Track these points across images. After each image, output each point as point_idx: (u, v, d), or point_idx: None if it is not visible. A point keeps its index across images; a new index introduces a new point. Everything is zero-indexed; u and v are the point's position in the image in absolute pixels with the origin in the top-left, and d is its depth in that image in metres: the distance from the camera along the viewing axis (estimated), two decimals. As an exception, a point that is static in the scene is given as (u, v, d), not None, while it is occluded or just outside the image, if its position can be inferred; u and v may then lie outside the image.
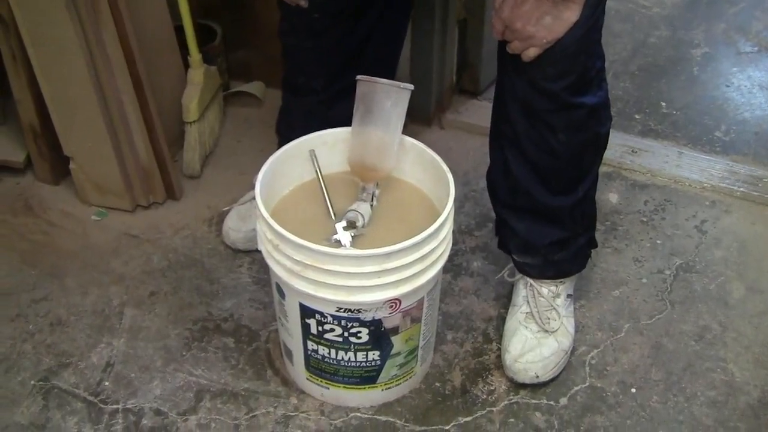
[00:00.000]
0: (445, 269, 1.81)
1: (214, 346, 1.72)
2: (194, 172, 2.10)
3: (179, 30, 2.07)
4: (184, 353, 1.70)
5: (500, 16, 1.37)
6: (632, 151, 2.15)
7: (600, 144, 1.58)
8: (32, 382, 1.65)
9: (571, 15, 1.33)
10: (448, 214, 1.43)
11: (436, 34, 2.17)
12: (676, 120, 2.27)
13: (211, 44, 2.23)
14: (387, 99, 1.50)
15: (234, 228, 1.90)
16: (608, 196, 2.03)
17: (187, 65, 2.11)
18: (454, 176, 1.47)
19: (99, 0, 1.75)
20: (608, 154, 2.07)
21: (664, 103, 2.32)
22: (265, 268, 1.76)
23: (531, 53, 1.37)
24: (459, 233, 1.94)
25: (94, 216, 2.01)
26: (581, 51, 1.39)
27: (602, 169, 2.04)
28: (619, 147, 2.15)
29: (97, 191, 2.00)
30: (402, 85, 1.50)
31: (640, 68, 2.45)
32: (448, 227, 1.46)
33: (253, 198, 1.57)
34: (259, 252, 1.50)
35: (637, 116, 2.27)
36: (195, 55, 2.10)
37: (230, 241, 1.91)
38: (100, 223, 2.00)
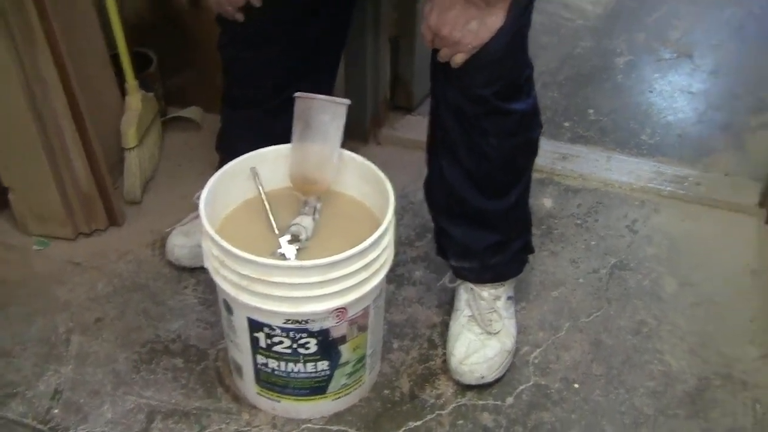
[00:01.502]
0: (389, 279, 1.84)
1: (163, 368, 1.71)
2: (135, 197, 2.10)
3: (115, 58, 2.08)
4: (133, 376, 1.69)
5: (428, 23, 1.40)
6: (563, 157, 2.20)
7: (531, 149, 1.62)
8: (-20, 414, 1.64)
9: (496, 21, 1.37)
10: (389, 223, 1.45)
11: (368, 52, 2.20)
12: (603, 126, 2.33)
13: (147, 71, 2.23)
14: (325, 114, 1.53)
15: (178, 244, 1.90)
16: (542, 201, 2.08)
17: (124, 92, 2.12)
18: (392, 190, 1.49)
19: (33, 27, 1.74)
20: (540, 161, 2.12)
21: (591, 110, 2.38)
22: (210, 287, 1.76)
23: (459, 59, 1.41)
24: (400, 244, 1.96)
25: (35, 246, 1.99)
26: (508, 57, 1.43)
27: (535, 175, 2.09)
28: (550, 154, 2.20)
29: (37, 220, 1.98)
30: (339, 100, 1.53)
31: (567, 78, 2.51)
32: (390, 236, 1.48)
33: (196, 217, 1.58)
34: (204, 272, 1.51)
35: (566, 124, 2.33)
36: (131, 81, 2.10)
37: (175, 257, 1.91)
38: (43, 252, 1.98)
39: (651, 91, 2.46)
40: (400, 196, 2.00)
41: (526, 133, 1.57)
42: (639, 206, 2.07)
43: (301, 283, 1.39)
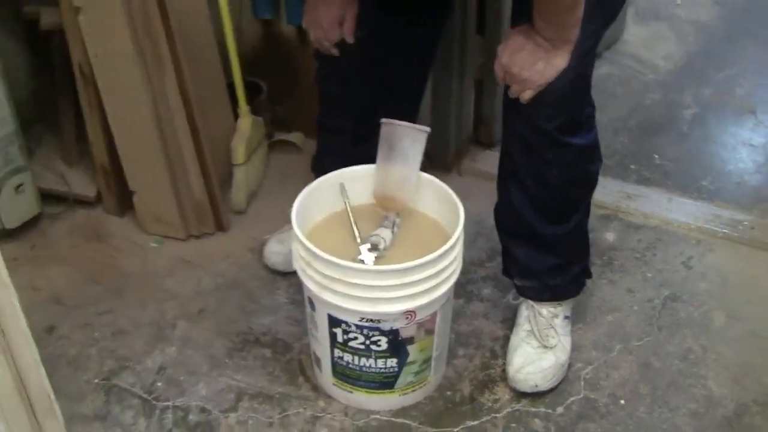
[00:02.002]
0: (458, 295, 1.90)
1: (254, 356, 1.79)
2: (240, 207, 2.20)
3: (231, 86, 2.19)
4: (226, 361, 1.78)
5: (501, 62, 1.47)
6: (628, 196, 2.21)
7: (590, 180, 1.65)
8: (96, 381, 1.74)
9: (560, 62, 1.42)
10: (458, 236, 1.51)
11: (454, 93, 2.26)
12: (667, 170, 2.33)
13: (257, 98, 2.35)
14: (407, 138, 1.60)
15: (274, 251, 1.99)
16: (606, 235, 2.09)
17: (236, 116, 2.23)
18: (468, 216, 1.54)
19: (163, 56, 1.87)
20: (606, 199, 2.17)
21: (656, 156, 2.39)
22: (299, 289, 1.83)
23: (526, 95, 1.47)
24: (471, 264, 2.01)
25: (152, 243, 2.11)
26: (570, 95, 1.48)
27: (600, 211, 2.14)
28: (616, 192, 2.22)
29: (155, 222, 2.10)
30: (420, 127, 1.60)
31: (636, 125, 2.52)
32: (458, 249, 1.53)
33: (291, 228, 1.66)
34: (295, 276, 1.59)
35: (632, 167, 2.34)
36: (244, 106, 2.21)
37: (270, 262, 2.00)
38: (158, 249, 2.09)
39: (714, 142, 2.46)
40: (474, 222, 2.05)
41: (585, 166, 1.61)
42: (695, 245, 2.07)
43: (376, 285, 1.45)
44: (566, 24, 1.40)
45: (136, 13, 1.78)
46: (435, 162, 1.66)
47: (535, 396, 1.70)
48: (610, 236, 2.09)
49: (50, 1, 1.94)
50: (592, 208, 2.06)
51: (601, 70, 2.78)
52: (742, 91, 2.68)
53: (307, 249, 1.48)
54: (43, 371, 1.24)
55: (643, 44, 2.95)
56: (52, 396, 1.28)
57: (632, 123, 2.53)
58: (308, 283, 1.52)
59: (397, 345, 1.56)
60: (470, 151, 2.40)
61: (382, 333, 1.53)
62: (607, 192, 2.19)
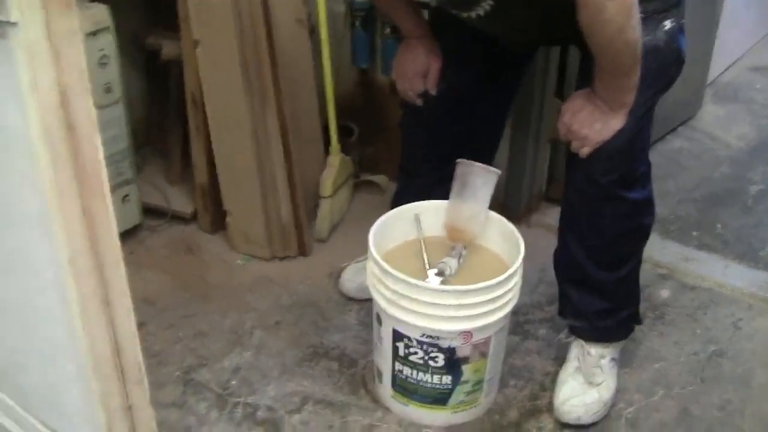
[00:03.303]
0: (516, 332, 2.07)
1: (321, 367, 1.99)
2: (323, 236, 2.42)
3: (325, 126, 2.44)
4: (296, 369, 1.98)
5: (563, 120, 1.67)
6: (686, 258, 2.35)
7: (642, 233, 1.81)
8: (176, 374, 1.95)
9: (617, 123, 1.61)
10: (517, 268, 1.69)
11: (529, 151, 2.46)
12: (727, 239, 2.47)
13: (349, 139, 2.58)
14: (479, 178, 1.80)
15: (349, 279, 2.20)
16: (661, 292, 2.24)
17: (328, 153, 2.47)
18: (533, 265, 1.74)
19: (268, 92, 2.12)
20: (664, 259, 2.32)
21: (719, 225, 2.53)
22: (368, 313, 2.03)
23: (585, 151, 1.65)
24: (531, 307, 2.18)
25: (239, 260, 2.34)
26: (626, 153, 1.65)
27: (658, 270, 2.29)
28: (675, 254, 2.36)
29: (244, 241, 2.33)
30: (491, 169, 1.80)
31: (702, 196, 2.67)
32: (515, 280, 1.72)
33: (367, 259, 1.87)
34: (366, 302, 1.79)
35: (694, 233, 2.49)
36: (335, 145, 2.44)
37: (345, 289, 2.20)
38: (244, 266, 2.32)
39: (777, 218, 2.60)
40: (539, 270, 2.23)
41: (638, 219, 1.78)
42: (746, 308, 2.20)
43: (437, 303, 1.64)
44: (623, 88, 1.58)
45: (248, 50, 2.04)
46: (506, 213, 1.85)
47: (578, 428, 1.84)
48: (664, 293, 2.24)
49: (171, 35, 2.22)
50: (651, 266, 2.25)
51: (674, 144, 2.96)
52: (809, 173, 2.82)
53: (380, 266, 1.68)
54: (138, 342, 1.45)
55: (718, 123, 3.11)
56: (143, 368, 1.49)
57: (699, 194, 2.68)
58: (378, 299, 1.72)
59: (453, 363, 1.73)
60: (541, 206, 2.58)
61: (440, 350, 1.71)
62: (666, 253, 2.35)
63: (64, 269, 1.23)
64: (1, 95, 1.10)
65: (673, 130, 3.00)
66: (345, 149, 2.50)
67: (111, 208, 1.22)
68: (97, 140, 1.14)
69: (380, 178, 2.66)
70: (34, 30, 1.02)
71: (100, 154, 1.15)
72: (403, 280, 1.65)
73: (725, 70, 3.44)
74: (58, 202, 1.16)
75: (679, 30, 1.67)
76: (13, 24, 1.01)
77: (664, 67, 1.67)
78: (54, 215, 1.17)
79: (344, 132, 2.55)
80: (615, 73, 1.56)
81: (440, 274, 1.76)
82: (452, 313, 1.65)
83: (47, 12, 1.02)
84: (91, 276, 1.26)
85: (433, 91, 1.90)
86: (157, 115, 2.52)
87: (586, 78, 1.66)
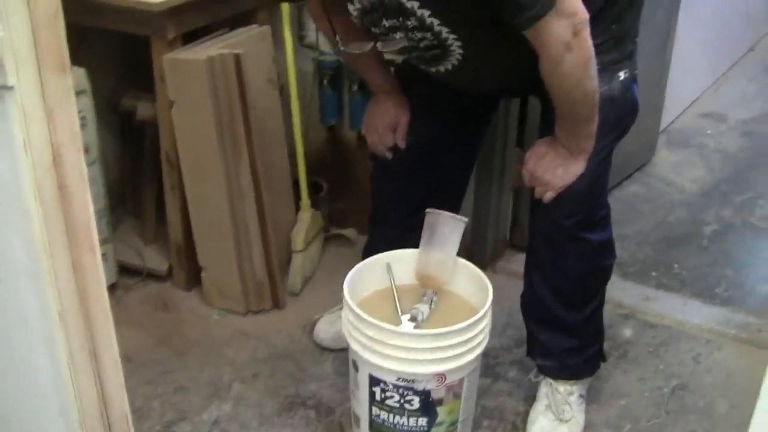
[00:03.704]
0: (487, 375, 2.13)
1: (299, 416, 2.03)
2: (296, 290, 2.47)
3: (296, 182, 2.51)
4: (275, 419, 2.02)
5: (527, 166, 1.76)
6: (646, 298, 2.44)
7: (604, 273, 1.90)
8: (157, 428, 1.98)
9: (578, 168, 1.70)
10: (486, 310, 1.76)
11: (493, 199, 2.55)
12: (684, 278, 2.56)
13: (318, 195, 2.65)
14: (447, 226, 1.87)
15: (323, 329, 2.25)
16: (623, 331, 2.32)
17: (298, 208, 2.53)
18: (500, 310, 1.82)
19: (241, 150, 2.18)
20: (626, 300, 2.41)
21: (676, 265, 2.62)
22: (343, 362, 2.08)
23: (548, 196, 1.74)
24: (501, 350, 2.24)
25: (215, 315, 2.37)
26: (586, 197, 1.74)
27: (620, 311, 2.38)
28: (636, 295, 2.45)
29: (219, 296, 2.37)
30: (458, 217, 1.88)
31: (659, 238, 2.77)
32: (485, 323, 1.78)
33: (339, 309, 1.92)
34: (341, 351, 1.84)
35: (653, 273, 2.58)
36: (305, 200, 2.51)
37: (319, 339, 2.25)
38: (219, 321, 2.36)
39: (730, 256, 2.68)
40: (506, 315, 2.29)
41: (600, 260, 1.86)
42: (705, 343, 2.28)
43: (412, 347, 1.70)
44: (582, 135, 1.68)
45: (222, 110, 2.11)
46: (473, 260, 1.93)
47: (550, 464, 1.91)
48: (627, 332, 2.32)
49: (146, 96, 2.29)
50: (613, 307, 2.33)
51: (631, 189, 3.06)
52: (762, 211, 2.92)
53: (356, 314, 1.74)
54: (125, 395, 1.49)
55: (672, 168, 3.23)
56: (130, 420, 1.53)
57: (656, 236, 2.78)
58: (354, 345, 1.77)
59: (428, 405, 1.78)
60: (505, 252, 2.66)
61: (416, 393, 1.76)
62: (627, 294, 2.44)
63: (53, 322, 1.27)
64: (-4, 156, 1.15)
65: (630, 176, 3.11)
66: (315, 204, 2.57)
67: (100, 262, 1.27)
68: (88, 197, 1.19)
69: (350, 232, 2.72)
70: (30, 93, 1.08)
71: (91, 211, 1.20)
72: (377, 326, 1.70)
73: (677, 117, 3.58)
74: (49, 257, 1.21)
75: (632, 80, 1.77)
76: (10, 87, 1.07)
77: (620, 116, 1.77)
78: (45, 270, 1.22)
79: (314, 187, 2.62)
80: (575, 120, 1.66)
81: (413, 319, 1.82)
82: (426, 356, 1.70)
83: (42, 76, 1.08)
84: (80, 329, 1.31)
85: (402, 144, 1.98)
86: (131, 176, 2.57)
87: (547, 127, 1.75)
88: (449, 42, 1.62)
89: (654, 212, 2.92)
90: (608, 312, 2.17)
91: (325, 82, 2.53)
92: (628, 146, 2.86)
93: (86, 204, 1.20)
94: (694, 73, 3.68)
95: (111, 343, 1.40)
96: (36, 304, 1.27)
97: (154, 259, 2.50)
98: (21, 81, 1.07)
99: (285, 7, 2.32)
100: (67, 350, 1.30)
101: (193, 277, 2.42)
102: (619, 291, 2.43)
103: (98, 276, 1.28)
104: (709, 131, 3.54)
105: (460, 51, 1.64)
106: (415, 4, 1.55)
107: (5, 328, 1.42)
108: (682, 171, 3.22)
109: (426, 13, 1.56)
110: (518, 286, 2.00)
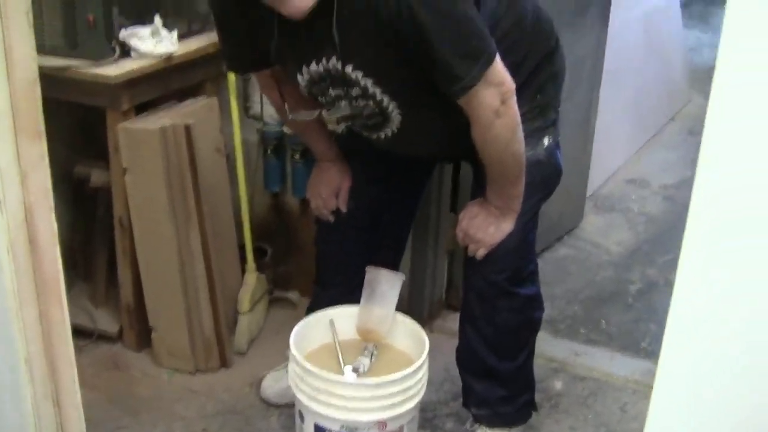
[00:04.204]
0: (425, 427, 2.24)
1: (248, 469, 2.13)
2: (242, 349, 2.57)
3: (242, 247, 2.63)
4: (225, 471, 2.12)
5: (460, 226, 1.91)
6: (575, 353, 2.59)
7: (534, 324, 2.05)
8: (111, 486, 2.07)
9: (507, 227, 1.86)
10: (422, 363, 1.89)
11: (429, 262, 2.68)
12: (611, 333, 2.72)
13: (263, 259, 2.77)
14: (386, 283, 2.00)
15: (269, 385, 2.34)
16: (554, 383, 2.45)
17: (244, 271, 2.65)
18: (437, 366, 1.95)
19: (191, 215, 2.29)
20: (557, 355, 2.55)
21: (603, 321, 2.78)
22: (288, 417, 2.18)
23: (480, 253, 1.89)
24: (438, 403, 2.35)
25: (165, 375, 2.45)
26: (516, 253, 1.90)
27: (551, 365, 2.51)
28: (566, 350, 2.60)
29: (169, 356, 2.45)
30: (396, 273, 2.02)
31: (587, 297, 2.93)
32: (422, 373, 1.90)
33: (283, 367, 2.02)
34: (286, 408, 1.94)
35: (582, 330, 2.73)
36: (251, 264, 2.62)
37: (266, 395, 2.34)
38: (169, 379, 2.43)
39: (654, 312, 2.84)
40: (443, 370, 2.41)
41: (530, 312, 2.01)
42: (631, 393, 2.43)
43: (354, 396, 1.82)
44: (511, 195, 1.84)
45: (173, 176, 2.23)
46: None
47: None
48: (557, 384, 2.46)
49: (99, 164, 2.40)
50: (544, 361, 2.47)
51: (560, 252, 3.24)
52: (680, 273, 3.11)
53: (301, 366, 1.85)
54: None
55: (599, 231, 3.42)
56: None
57: (584, 295, 2.95)
58: (300, 396, 1.88)
59: (371, 453, 1.90)
60: (442, 312, 2.80)
61: (359, 440, 1.88)
62: (557, 349, 2.58)
63: (20, 369, 1.37)
64: (-28, 215, 1.26)
65: (559, 239, 3.29)
66: (260, 268, 2.68)
67: (67, 314, 1.37)
68: (57, 252, 1.30)
69: (293, 294, 2.83)
70: (6, 156, 1.20)
71: (59, 265, 1.31)
72: (322, 377, 1.82)
73: (603, 183, 3.79)
74: (19, 308, 1.31)
75: (556, 146, 1.95)
76: (-11, 153, 1.19)
77: (546, 178, 1.94)
78: (14, 319, 1.32)
79: (259, 252, 2.74)
80: (504, 181, 1.82)
81: (355, 370, 1.94)
82: (367, 404, 1.82)
83: (18, 140, 1.20)
84: (44, 377, 1.40)
85: (344, 208, 2.12)
86: (81, 242, 2.66)
87: (479, 189, 1.91)
88: (390, 109, 1.78)
89: (582, 272, 3.09)
90: (540, 366, 2.33)
91: (269, 151, 2.66)
92: (557, 210, 3.08)
93: (56, 259, 1.31)
94: (618, 141, 3.91)
95: (74, 391, 1.50)
96: (4, 352, 1.36)
97: (105, 321, 2.58)
98: (-1, 146, 1.19)
99: (231, 80, 2.47)
100: (32, 397, 1.40)
101: (144, 338, 2.50)
102: (550, 346, 2.58)
103: (64, 327, 1.38)
104: (633, 196, 3.74)
105: (400, 118, 1.80)
106: (360, 74, 1.71)
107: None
108: (608, 234, 3.41)
109: (369, 81, 1.72)
110: (454, 343, 2.13)
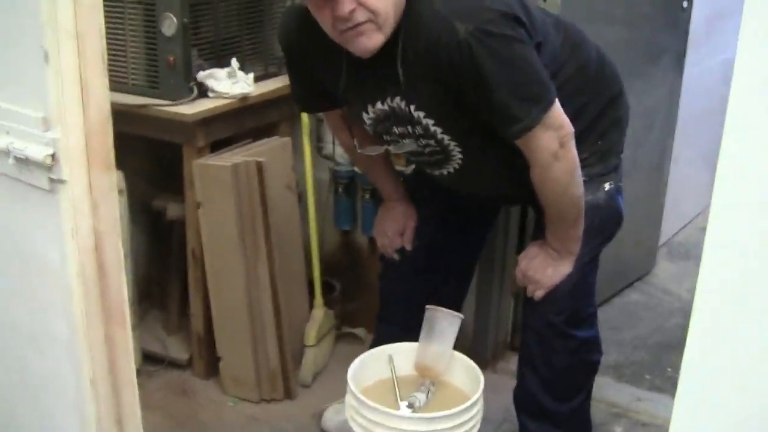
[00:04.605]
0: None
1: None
2: (307, 382, 2.62)
3: (310, 282, 2.70)
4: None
5: (519, 267, 1.94)
6: (638, 399, 2.56)
7: (590, 367, 2.05)
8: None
9: (565, 269, 1.88)
10: (478, 397, 1.91)
11: (493, 304, 2.70)
12: (676, 381, 2.68)
13: (331, 295, 2.84)
14: (444, 321, 2.03)
15: (330, 418, 2.39)
16: (614, 429, 2.43)
17: (312, 306, 2.71)
18: (498, 406, 1.96)
19: (260, 249, 2.38)
20: (619, 400, 2.54)
21: (669, 369, 2.75)
22: (349, 449, 2.23)
23: (539, 294, 1.92)
24: (497, 443, 2.39)
25: (229, 402, 2.52)
26: (573, 295, 1.91)
27: (613, 410, 2.50)
28: (628, 395, 2.57)
29: (235, 384, 2.52)
30: (455, 313, 2.04)
31: (655, 343, 2.90)
32: (476, 410, 1.92)
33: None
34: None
35: (647, 376, 2.71)
36: (319, 299, 2.69)
37: (326, 426, 2.38)
38: (233, 407, 2.51)
39: (725, 363, 2.82)
40: (503, 410, 2.41)
41: (586, 355, 2.02)
42: (693, 442, 2.40)
43: (407, 430, 1.85)
44: (570, 238, 1.86)
45: (244, 211, 2.32)
46: (474, 359, 2.08)
47: None
48: (617, 429, 2.43)
49: (175, 198, 2.51)
50: (605, 406, 2.46)
51: (630, 297, 3.22)
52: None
53: (357, 398, 1.90)
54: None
55: (672, 278, 3.38)
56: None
57: (652, 341, 2.92)
58: (356, 428, 1.92)
59: (423, 488, 1.92)
60: (506, 354, 2.81)
61: (412, 475, 1.90)
62: (620, 394, 2.56)
63: (85, 390, 1.45)
64: (46, 239, 1.36)
65: (630, 285, 3.27)
66: (328, 303, 2.75)
67: (130, 337, 1.45)
68: (123, 278, 1.38)
69: (360, 331, 2.88)
70: (80, 187, 1.29)
71: (125, 291, 1.39)
72: (378, 410, 1.86)
73: (679, 230, 3.75)
74: (86, 331, 1.40)
75: (617, 191, 1.97)
76: (63, 182, 1.28)
77: (605, 222, 1.95)
78: (81, 341, 1.40)
79: (327, 287, 2.81)
80: (563, 224, 1.84)
81: (410, 406, 1.97)
82: (422, 439, 1.85)
83: (91, 172, 1.29)
84: (108, 397, 1.48)
85: (408, 247, 2.17)
86: (157, 272, 2.77)
87: (540, 232, 1.94)
88: (450, 148, 1.83)
89: (652, 319, 3.06)
90: (601, 411, 2.32)
91: (340, 190, 2.75)
92: (628, 256, 3.07)
93: (121, 284, 1.39)
94: (695, 189, 3.86)
95: (135, 412, 1.57)
96: (71, 372, 1.45)
97: (176, 349, 2.67)
98: (73, 177, 1.28)
99: (305, 121, 2.56)
100: (96, 416, 1.47)
101: (212, 367, 2.58)
102: (613, 392, 2.56)
103: (127, 350, 1.46)
104: (708, 245, 3.70)
105: (460, 156, 1.85)
106: (421, 114, 1.77)
107: (42, 395, 1.60)
108: (681, 281, 3.37)
109: (430, 122, 1.78)
110: (516, 384, 2.15)
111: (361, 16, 1.60)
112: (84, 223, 1.32)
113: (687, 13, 3.09)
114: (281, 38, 1.98)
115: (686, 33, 3.14)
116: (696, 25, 3.19)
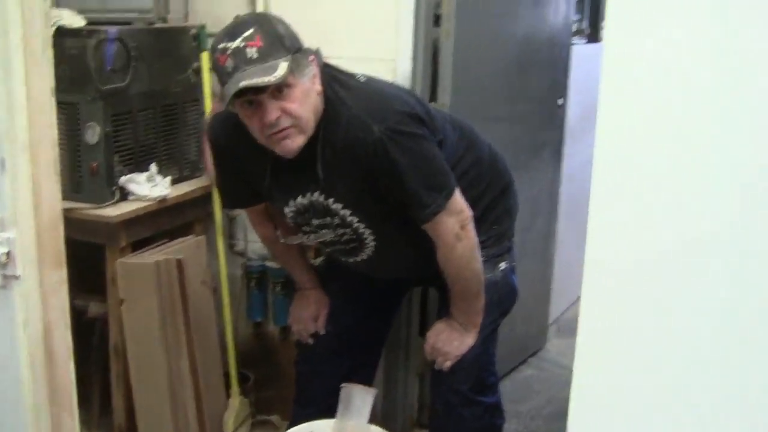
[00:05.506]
0: None
1: None
2: (227, 468, 2.70)
3: (226, 373, 2.79)
4: None
5: (428, 341, 2.10)
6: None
7: (495, 431, 2.22)
8: None
9: (470, 340, 2.05)
10: (394, 467, 2.04)
11: (400, 384, 2.84)
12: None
13: (246, 384, 2.92)
14: (359, 396, 2.15)
15: (253, 500, 2.47)
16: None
17: (229, 395, 2.79)
18: None
19: (181, 342, 2.46)
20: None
21: (566, 435, 2.94)
22: None
23: (447, 365, 2.07)
24: None
25: (154, 495, 2.58)
26: (478, 364, 2.08)
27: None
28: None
29: (158, 476, 2.58)
30: (368, 388, 2.17)
31: (550, 413, 3.08)
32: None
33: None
34: None
35: (543, 446, 2.90)
36: (235, 389, 2.78)
37: None
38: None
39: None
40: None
41: (491, 419, 2.17)
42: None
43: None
44: (473, 311, 2.05)
45: (166, 307, 2.41)
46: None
47: None
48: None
49: (96, 297, 2.59)
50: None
51: (525, 372, 3.41)
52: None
53: (283, 474, 2.00)
54: None
55: (563, 353, 3.60)
56: None
57: (546, 411, 3.10)
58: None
59: None
60: (413, 431, 2.94)
61: None
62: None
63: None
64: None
65: (525, 361, 3.46)
66: (243, 392, 2.83)
67: (77, 423, 1.53)
68: (71, 365, 1.48)
69: (275, 418, 2.96)
70: (32, 281, 1.40)
71: (73, 376, 1.48)
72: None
73: (567, 308, 3.99)
74: (36, 419, 1.48)
75: (511, 270, 2.17)
76: (17, 277, 1.38)
77: (503, 298, 2.15)
78: (29, 430, 1.48)
79: (242, 377, 2.90)
80: (466, 297, 2.03)
81: (333, 480, 2.08)
82: None
83: (42, 268, 1.40)
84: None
85: (322, 331, 2.31)
86: (78, 369, 2.80)
87: (444, 311, 2.12)
88: (365, 236, 2.02)
89: (546, 391, 3.25)
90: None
91: (252, 283, 2.87)
92: (521, 334, 3.27)
93: (69, 371, 1.48)
94: (579, 269, 4.10)
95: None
96: (18, 459, 1.51)
97: (97, 446, 2.70)
98: (26, 273, 1.39)
99: (218, 220, 2.70)
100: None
101: (134, 461, 2.62)
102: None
103: (73, 433, 1.54)
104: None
105: (374, 243, 2.03)
106: (339, 206, 1.96)
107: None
108: (571, 355, 3.55)
109: (347, 212, 1.96)
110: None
111: (285, 121, 1.80)
112: (35, 315, 1.42)
113: (562, 109, 3.39)
114: (211, 140, 2.13)
115: (562, 128, 3.43)
116: (572, 121, 3.49)
